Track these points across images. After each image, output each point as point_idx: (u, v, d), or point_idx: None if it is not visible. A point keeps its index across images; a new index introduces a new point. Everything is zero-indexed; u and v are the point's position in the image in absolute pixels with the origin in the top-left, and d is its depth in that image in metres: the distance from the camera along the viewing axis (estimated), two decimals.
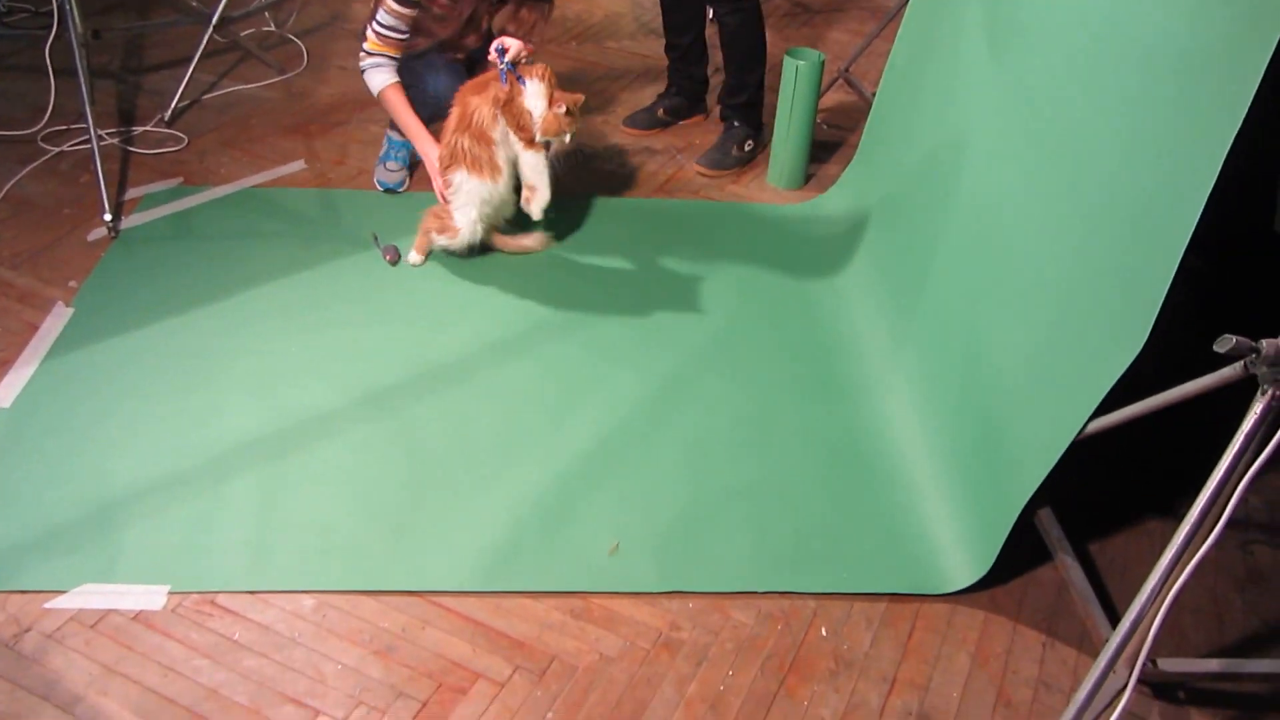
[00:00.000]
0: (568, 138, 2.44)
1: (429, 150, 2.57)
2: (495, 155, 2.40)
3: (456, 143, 2.38)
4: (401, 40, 2.55)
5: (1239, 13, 1.47)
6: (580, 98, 2.43)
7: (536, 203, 2.49)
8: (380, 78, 2.57)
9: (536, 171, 2.46)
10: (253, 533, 1.83)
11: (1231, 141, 1.42)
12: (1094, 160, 1.77)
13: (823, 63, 2.80)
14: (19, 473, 1.92)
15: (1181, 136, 1.56)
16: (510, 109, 2.38)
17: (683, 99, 3.22)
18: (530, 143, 2.42)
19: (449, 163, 2.41)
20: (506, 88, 2.37)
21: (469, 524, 1.87)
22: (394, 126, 2.84)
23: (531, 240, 2.60)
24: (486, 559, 1.81)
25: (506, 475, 1.98)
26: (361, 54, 2.57)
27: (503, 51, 2.40)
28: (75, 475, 1.92)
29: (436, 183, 2.52)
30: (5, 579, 1.72)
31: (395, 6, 2.49)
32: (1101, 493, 2.05)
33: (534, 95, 2.39)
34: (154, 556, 1.77)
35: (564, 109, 2.39)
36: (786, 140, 2.89)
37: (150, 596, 1.71)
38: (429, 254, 2.55)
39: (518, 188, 2.52)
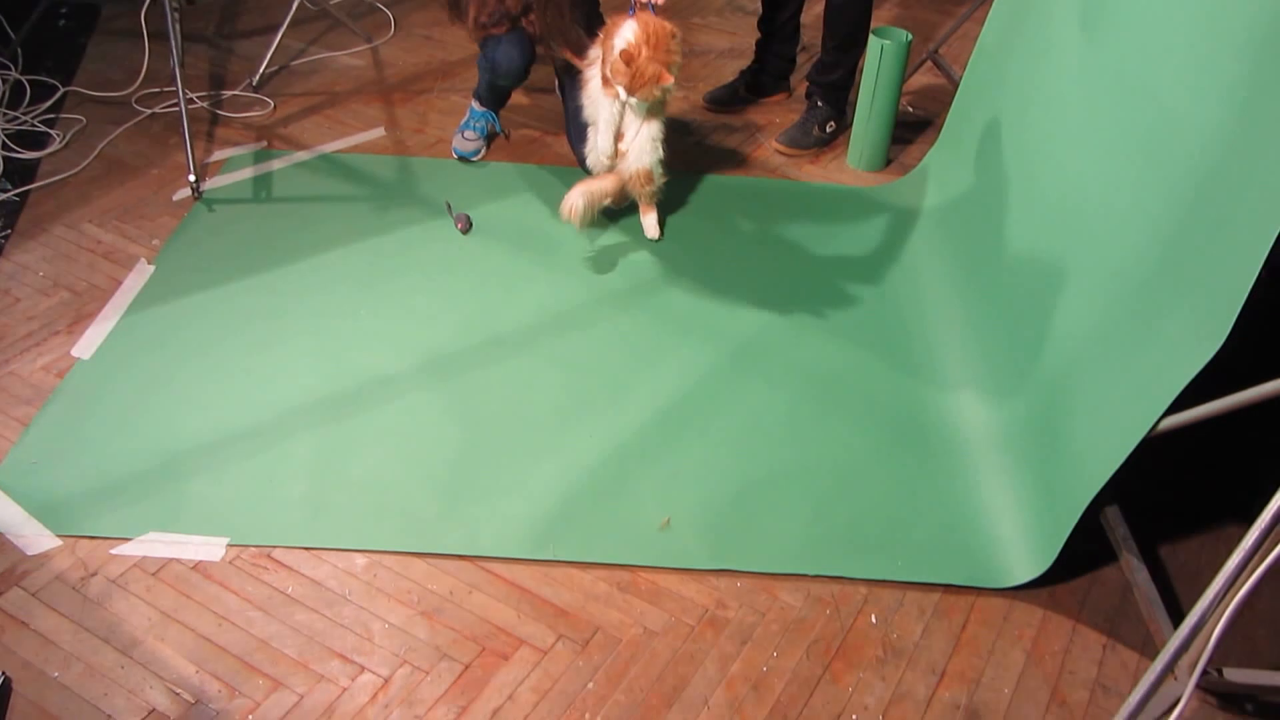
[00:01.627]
0: (638, 104, 2.35)
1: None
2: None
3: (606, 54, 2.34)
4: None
5: None
6: (665, 76, 2.30)
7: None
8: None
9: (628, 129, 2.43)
10: (311, 489, 1.86)
11: None
12: (1184, 149, 1.69)
13: (909, 43, 2.73)
14: (95, 423, 1.98)
15: (1277, 128, 1.47)
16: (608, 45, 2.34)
17: (767, 76, 3.17)
18: (607, 84, 2.37)
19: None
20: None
21: (522, 491, 1.88)
22: (476, 95, 2.85)
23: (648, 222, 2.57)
24: (537, 527, 1.82)
25: (563, 444, 1.98)
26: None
27: None
28: (146, 427, 1.97)
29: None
30: (77, 524, 1.79)
31: None
32: (1175, 493, 1.97)
33: (624, 33, 2.30)
34: (216, 508, 1.82)
35: (624, 60, 2.26)
36: (868, 121, 2.83)
37: (210, 548, 1.76)
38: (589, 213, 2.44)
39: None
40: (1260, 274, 1.43)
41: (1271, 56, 1.52)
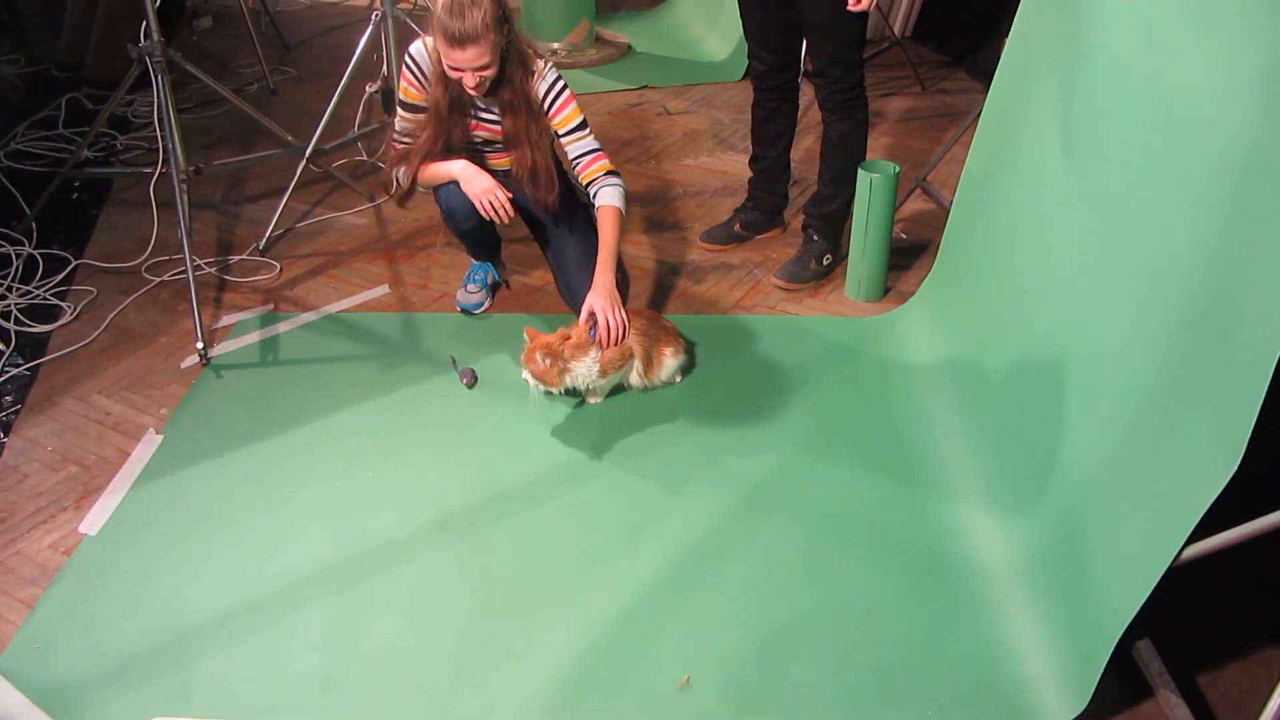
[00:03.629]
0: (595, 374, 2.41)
1: (470, 177, 2.55)
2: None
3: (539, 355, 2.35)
4: (411, 146, 2.62)
5: None
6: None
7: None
8: (404, 171, 2.63)
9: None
10: (321, 664, 1.82)
11: None
12: (1177, 268, 1.70)
13: (898, 174, 2.79)
14: (101, 603, 1.95)
15: (1266, 240, 1.49)
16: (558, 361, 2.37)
17: (760, 214, 3.23)
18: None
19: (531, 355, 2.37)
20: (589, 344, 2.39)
21: (536, 656, 1.84)
22: (470, 254, 2.91)
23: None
24: (554, 694, 1.77)
25: (575, 604, 1.94)
26: (388, 166, 2.68)
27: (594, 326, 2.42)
28: (153, 605, 1.95)
29: (497, 194, 2.52)
30: (81, 712, 1.74)
31: (405, 114, 2.59)
32: (1209, 620, 1.92)
33: (585, 364, 2.38)
34: (224, 689, 1.78)
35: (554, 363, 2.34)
36: (864, 253, 2.87)
37: None
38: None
39: None
40: (1272, 387, 1.42)
41: (1247, 175, 1.55)
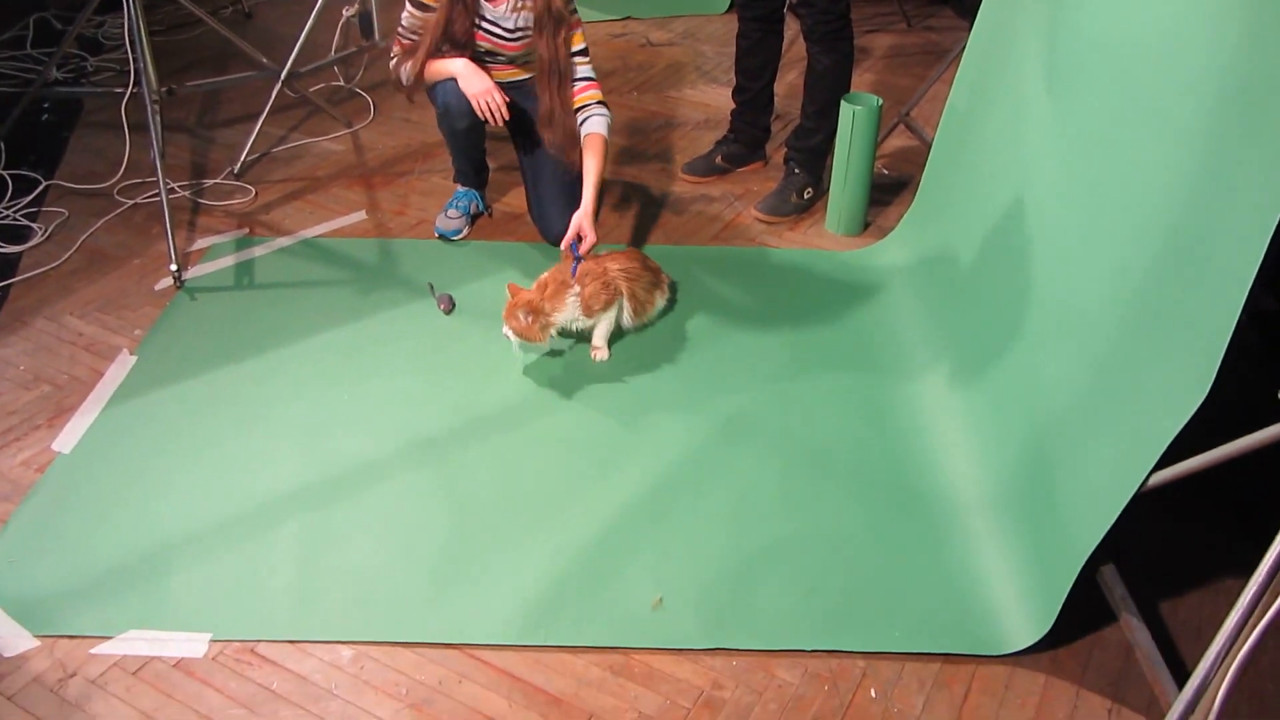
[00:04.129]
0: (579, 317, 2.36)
1: (469, 75, 2.53)
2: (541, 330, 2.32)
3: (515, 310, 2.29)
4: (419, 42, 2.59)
5: None
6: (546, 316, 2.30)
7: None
8: (409, 67, 2.60)
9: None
10: (295, 581, 1.83)
11: None
12: (1156, 198, 1.70)
13: (880, 108, 2.77)
14: (73, 519, 1.95)
15: (1245, 171, 1.49)
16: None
17: (742, 146, 3.21)
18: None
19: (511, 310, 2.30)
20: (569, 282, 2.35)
21: (510, 576, 1.85)
22: (456, 175, 2.88)
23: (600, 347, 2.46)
24: (527, 612, 1.78)
25: (550, 526, 1.95)
26: (391, 60, 2.66)
27: (577, 244, 2.43)
28: (126, 522, 1.94)
29: (495, 95, 2.52)
30: (55, 624, 1.75)
31: (413, 10, 2.55)
32: (1173, 547, 1.95)
33: (567, 309, 2.33)
34: (198, 603, 1.78)
35: (531, 317, 2.27)
36: (844, 186, 2.85)
37: (192, 644, 1.72)
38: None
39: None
40: (1242, 319, 1.43)
41: (1229, 106, 1.54)
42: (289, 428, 2.17)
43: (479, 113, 2.54)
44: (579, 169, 2.59)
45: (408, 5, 2.57)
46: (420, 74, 2.59)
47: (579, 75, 2.61)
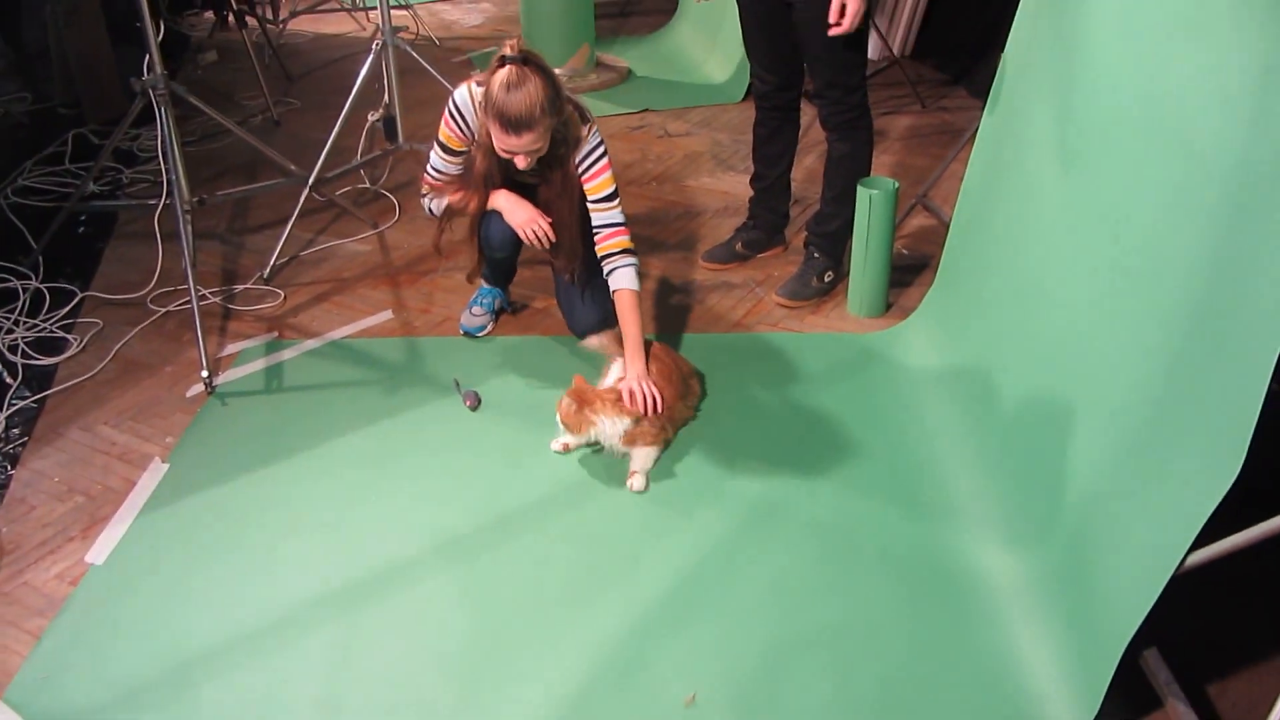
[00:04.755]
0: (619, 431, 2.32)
1: (512, 208, 2.56)
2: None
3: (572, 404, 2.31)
4: (447, 182, 2.63)
5: None
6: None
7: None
8: (440, 202, 2.66)
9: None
10: (325, 690, 1.82)
11: None
12: (1178, 277, 1.70)
13: (897, 190, 2.79)
14: (105, 633, 1.96)
15: (1262, 248, 1.49)
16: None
17: (761, 232, 3.24)
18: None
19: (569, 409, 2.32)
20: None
21: (540, 677, 1.83)
22: (483, 274, 2.90)
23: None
24: (558, 714, 1.76)
25: (579, 625, 1.94)
26: (422, 197, 2.71)
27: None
28: (158, 634, 1.95)
29: (539, 223, 2.54)
30: None
31: (444, 155, 2.59)
32: (1216, 627, 1.90)
33: (611, 423, 2.31)
34: (229, 716, 1.77)
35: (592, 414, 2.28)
36: (864, 269, 2.87)
37: None
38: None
39: None
40: (1273, 393, 1.42)
41: (1242, 184, 1.55)
42: (318, 533, 2.18)
43: (527, 241, 2.57)
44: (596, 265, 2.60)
45: (436, 150, 2.58)
46: (447, 210, 2.65)
47: (605, 221, 2.55)
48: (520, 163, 2.41)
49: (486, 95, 2.32)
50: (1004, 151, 2.48)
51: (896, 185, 2.80)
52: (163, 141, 2.97)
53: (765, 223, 3.23)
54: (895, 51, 4.97)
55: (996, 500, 2.14)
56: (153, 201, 3.26)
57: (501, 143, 2.37)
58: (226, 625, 1.96)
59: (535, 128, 2.32)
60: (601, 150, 2.53)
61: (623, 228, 2.57)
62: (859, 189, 2.79)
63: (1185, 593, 1.58)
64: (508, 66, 2.31)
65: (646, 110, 4.59)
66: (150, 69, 2.93)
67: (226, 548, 2.15)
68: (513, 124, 2.30)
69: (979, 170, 2.62)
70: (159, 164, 3.09)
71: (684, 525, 2.17)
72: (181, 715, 1.78)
